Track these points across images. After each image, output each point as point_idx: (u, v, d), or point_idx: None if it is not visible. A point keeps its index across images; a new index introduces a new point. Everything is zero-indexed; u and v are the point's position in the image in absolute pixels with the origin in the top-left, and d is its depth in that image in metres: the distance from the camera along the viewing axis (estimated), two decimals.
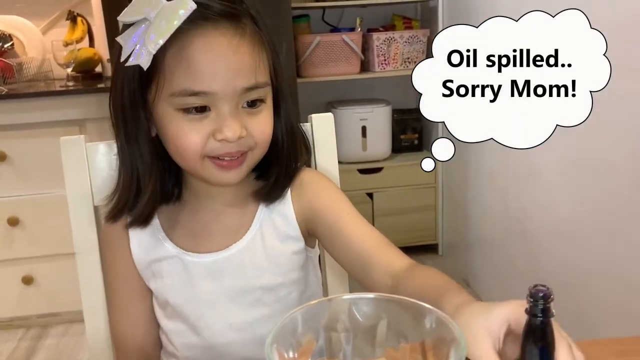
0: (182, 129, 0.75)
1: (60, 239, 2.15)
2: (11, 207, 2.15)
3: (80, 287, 0.92)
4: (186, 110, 0.75)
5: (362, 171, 2.50)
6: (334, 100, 2.60)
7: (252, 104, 0.77)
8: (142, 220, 0.84)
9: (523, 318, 0.50)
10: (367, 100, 2.55)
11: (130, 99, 0.77)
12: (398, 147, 2.63)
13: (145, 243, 0.86)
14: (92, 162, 0.93)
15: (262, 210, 0.86)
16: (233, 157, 0.77)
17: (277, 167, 0.85)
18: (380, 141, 2.52)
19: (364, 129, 2.48)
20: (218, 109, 0.75)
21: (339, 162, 0.97)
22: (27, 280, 2.22)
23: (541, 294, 0.48)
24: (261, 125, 0.78)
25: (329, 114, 0.97)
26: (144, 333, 0.90)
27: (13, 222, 2.16)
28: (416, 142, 2.65)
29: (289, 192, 0.87)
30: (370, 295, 0.49)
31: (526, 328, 0.50)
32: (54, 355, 2.13)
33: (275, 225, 0.86)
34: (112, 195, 0.84)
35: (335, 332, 0.48)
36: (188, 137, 0.75)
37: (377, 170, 2.51)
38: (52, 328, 2.29)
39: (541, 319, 0.49)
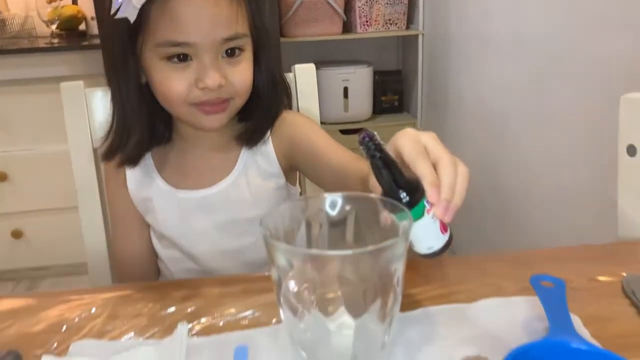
0: (167, 77, 0.82)
1: (48, 195, 2.21)
2: None
3: (80, 214, 1.02)
4: (170, 59, 0.81)
5: (344, 132, 2.57)
6: (316, 60, 2.64)
7: (232, 53, 0.83)
8: (132, 160, 0.91)
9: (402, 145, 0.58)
10: (349, 61, 2.60)
11: (119, 49, 0.83)
12: (379, 109, 2.69)
13: (140, 181, 0.94)
14: (91, 106, 1.00)
15: (245, 152, 0.94)
16: (215, 103, 0.83)
17: (259, 113, 0.92)
18: (361, 102, 2.58)
19: (345, 89, 2.53)
20: (200, 58, 0.81)
21: (321, 123, 1.03)
22: (17, 234, 2.27)
23: (367, 138, 0.56)
24: (241, 74, 0.85)
25: (311, 65, 1.04)
26: (142, 251, 0.99)
27: (1, 177, 2.20)
28: (396, 103, 2.72)
29: (269, 133, 0.94)
30: (341, 194, 0.57)
31: (373, 169, 0.57)
32: None
33: (258, 164, 0.94)
34: (105, 137, 0.90)
35: (314, 223, 0.56)
36: (172, 85, 0.82)
37: (358, 130, 2.57)
38: (42, 281, 2.35)
39: (378, 154, 0.56)
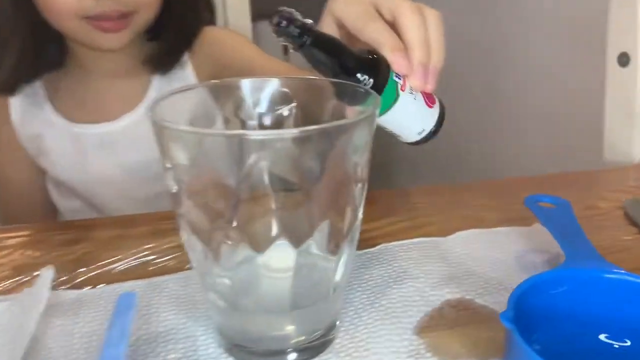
0: None
1: None
2: None
3: None
4: None
5: None
6: None
7: None
8: (9, 87, 0.74)
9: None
10: None
11: None
12: None
13: (27, 113, 0.77)
14: None
15: (157, 79, 0.78)
16: (113, 18, 0.67)
17: (172, 30, 0.76)
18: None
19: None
20: None
21: None
22: None
23: (284, 22, 0.38)
24: None
25: None
26: (32, 187, 0.82)
27: None
28: None
29: (187, 56, 0.78)
30: (278, 78, 0.39)
31: (310, 62, 0.41)
32: None
33: None
34: None
35: (235, 120, 0.39)
36: None
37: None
38: None
39: (308, 38, 0.39)
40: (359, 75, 0.41)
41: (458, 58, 1.52)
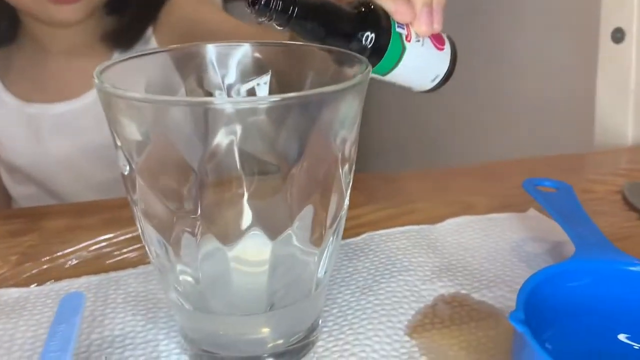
0: None
1: None
2: None
3: None
4: None
5: None
6: None
7: None
8: None
9: None
10: None
11: None
12: None
13: None
14: None
15: (119, 54, 0.72)
16: None
17: (134, 2, 0.70)
18: None
19: None
20: None
21: None
22: None
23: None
24: None
25: None
26: None
27: None
28: None
29: (150, 30, 0.73)
30: (257, 43, 0.33)
31: (302, 35, 0.35)
32: None
33: None
34: None
35: (199, 91, 0.34)
36: None
37: None
38: None
39: (294, 8, 0.33)
40: (359, 35, 0.35)
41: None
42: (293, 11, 0.33)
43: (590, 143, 0.71)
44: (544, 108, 1.17)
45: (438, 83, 0.41)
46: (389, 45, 0.36)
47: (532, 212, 0.49)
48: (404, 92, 0.42)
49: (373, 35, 0.35)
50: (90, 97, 0.71)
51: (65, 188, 0.73)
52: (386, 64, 0.37)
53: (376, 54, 0.36)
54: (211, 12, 0.73)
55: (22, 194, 0.76)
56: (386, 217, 0.49)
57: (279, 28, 0.34)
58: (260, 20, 0.34)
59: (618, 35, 0.65)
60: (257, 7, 0.33)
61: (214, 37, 0.68)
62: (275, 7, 0.32)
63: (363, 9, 0.36)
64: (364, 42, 0.35)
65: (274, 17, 0.33)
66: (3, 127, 0.71)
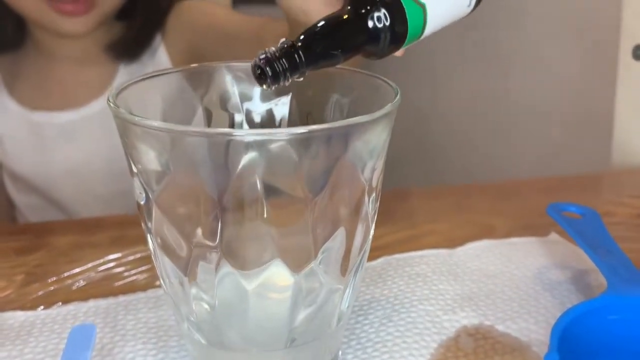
0: None
1: None
2: None
3: None
4: None
5: None
6: None
7: None
8: None
9: None
10: None
11: None
12: None
13: None
14: None
15: (127, 65, 0.71)
16: (75, 0, 0.62)
17: (141, 10, 0.69)
18: None
19: None
20: None
21: None
22: None
23: (265, 60, 0.29)
24: None
25: None
26: None
27: None
28: None
29: (159, 38, 0.72)
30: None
31: (316, 67, 0.31)
32: None
33: None
34: None
35: (218, 111, 0.32)
36: None
37: None
38: None
39: (299, 54, 0.29)
40: (371, 28, 0.32)
41: (461, 54, 1.46)
42: (298, 57, 0.30)
43: (607, 161, 0.70)
44: (559, 125, 1.15)
45: (475, 3, 0.38)
46: (407, 14, 0.32)
47: (553, 236, 0.47)
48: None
49: (383, 12, 0.32)
50: (97, 107, 0.70)
51: (68, 198, 0.72)
52: (415, 27, 0.33)
53: (399, 24, 0.33)
54: (218, 12, 0.71)
55: (25, 202, 0.75)
56: (402, 240, 0.47)
57: (300, 79, 0.31)
58: (275, 86, 0.31)
59: (639, 52, 0.64)
60: (266, 77, 0.29)
61: (223, 39, 0.68)
62: (281, 67, 0.29)
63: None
64: (380, 26, 0.32)
65: (287, 74, 0.30)
66: (7, 135, 0.70)
